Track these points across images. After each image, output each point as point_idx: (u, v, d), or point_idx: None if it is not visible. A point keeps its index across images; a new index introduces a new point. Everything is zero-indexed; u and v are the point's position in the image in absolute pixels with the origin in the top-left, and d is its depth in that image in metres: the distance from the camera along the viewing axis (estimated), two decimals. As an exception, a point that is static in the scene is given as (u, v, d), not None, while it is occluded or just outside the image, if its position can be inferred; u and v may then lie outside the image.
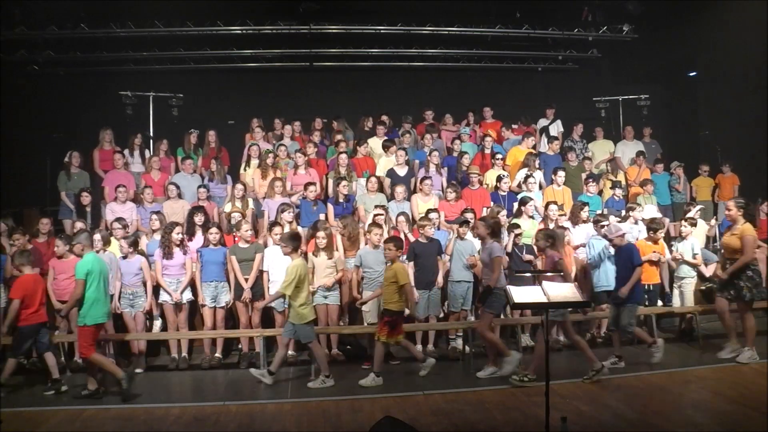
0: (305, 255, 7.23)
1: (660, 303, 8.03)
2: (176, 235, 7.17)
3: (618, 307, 6.72)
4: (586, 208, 8.35)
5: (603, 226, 7.72)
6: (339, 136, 10.23)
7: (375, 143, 10.14)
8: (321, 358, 6.40)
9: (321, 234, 7.26)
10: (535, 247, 8.00)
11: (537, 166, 9.62)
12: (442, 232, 7.97)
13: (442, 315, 7.67)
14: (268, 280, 7.24)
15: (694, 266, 7.83)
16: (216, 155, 9.66)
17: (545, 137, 10.95)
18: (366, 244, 7.50)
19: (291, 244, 6.36)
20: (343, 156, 9.32)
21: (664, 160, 10.59)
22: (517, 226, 7.85)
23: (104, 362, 6.09)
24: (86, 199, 8.60)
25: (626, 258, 6.71)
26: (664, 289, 8.22)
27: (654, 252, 7.60)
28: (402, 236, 7.41)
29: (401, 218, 7.84)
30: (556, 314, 6.28)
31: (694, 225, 8.33)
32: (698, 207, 9.17)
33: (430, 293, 7.44)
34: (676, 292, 7.96)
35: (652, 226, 7.80)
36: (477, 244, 7.78)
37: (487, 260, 6.47)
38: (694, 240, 7.98)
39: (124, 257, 7.15)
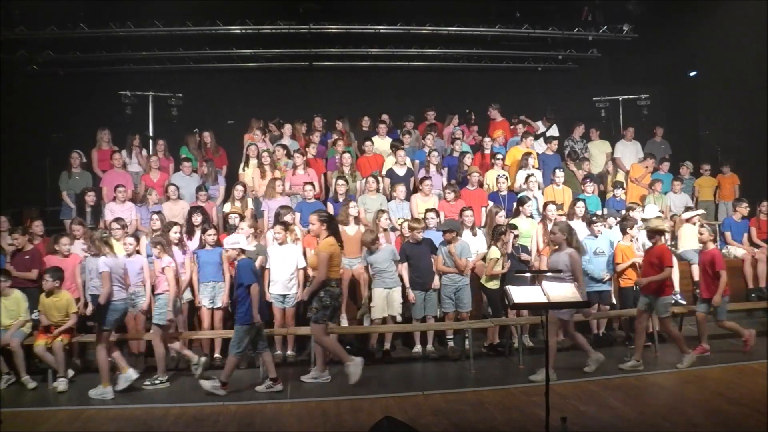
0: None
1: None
2: (174, 234, 7.16)
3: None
4: (580, 204, 8.35)
5: (597, 226, 7.74)
6: (336, 136, 10.22)
7: (377, 142, 10.15)
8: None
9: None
10: (532, 246, 8.05)
11: (534, 165, 9.61)
12: (441, 232, 7.96)
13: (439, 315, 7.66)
14: (269, 280, 7.24)
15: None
16: (212, 156, 9.66)
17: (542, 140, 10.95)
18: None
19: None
20: (347, 155, 9.33)
21: (671, 160, 10.59)
22: (515, 226, 7.86)
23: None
24: (90, 199, 8.60)
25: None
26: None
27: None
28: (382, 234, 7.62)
29: (383, 216, 7.87)
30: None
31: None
32: (700, 211, 9.18)
33: (426, 294, 7.43)
34: None
35: (624, 224, 7.81)
36: (475, 245, 7.80)
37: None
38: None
39: (129, 256, 7.15)
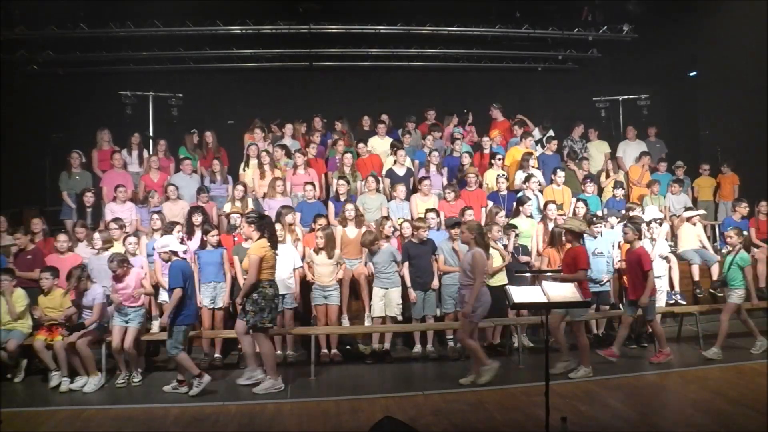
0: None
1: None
2: (176, 233, 7.16)
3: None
4: (581, 204, 8.35)
5: (597, 227, 7.74)
6: (336, 136, 10.22)
7: (377, 142, 10.15)
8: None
9: (320, 233, 7.30)
10: (532, 246, 8.05)
11: (534, 165, 9.62)
12: (441, 232, 7.97)
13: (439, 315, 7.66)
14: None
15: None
16: (215, 156, 9.66)
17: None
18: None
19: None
20: (348, 155, 9.33)
21: (668, 160, 10.59)
22: (514, 226, 7.85)
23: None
24: (89, 199, 8.60)
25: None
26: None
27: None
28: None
29: (386, 223, 7.84)
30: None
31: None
32: (700, 211, 9.18)
33: (426, 294, 7.43)
34: None
35: (629, 224, 7.78)
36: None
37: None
38: (662, 241, 8.10)
39: (133, 255, 7.16)
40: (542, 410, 4.56)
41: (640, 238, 7.11)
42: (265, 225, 6.30)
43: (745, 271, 7.09)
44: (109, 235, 7.36)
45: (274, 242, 6.30)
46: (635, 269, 6.83)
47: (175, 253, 6.18)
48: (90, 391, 6.30)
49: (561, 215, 8.38)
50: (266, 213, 8.47)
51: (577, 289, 5.05)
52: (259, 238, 6.21)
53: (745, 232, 8.11)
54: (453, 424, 5.15)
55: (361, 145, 9.83)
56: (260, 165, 9.24)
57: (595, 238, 7.75)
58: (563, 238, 6.93)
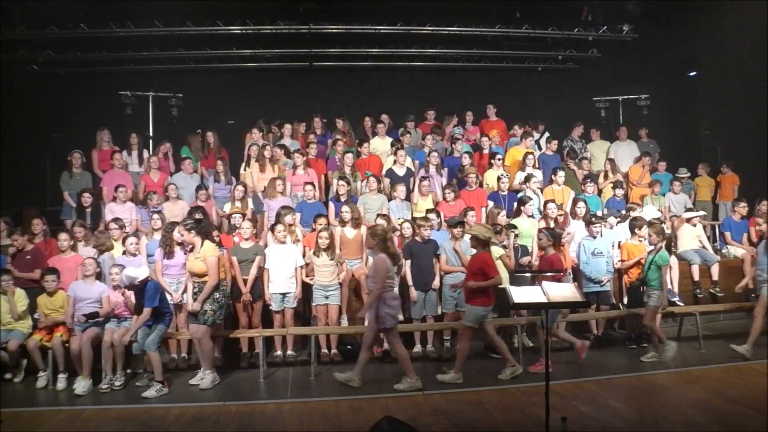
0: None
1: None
2: (177, 234, 7.15)
3: None
4: (581, 204, 8.36)
5: (596, 227, 7.74)
6: (338, 136, 10.23)
7: (376, 143, 10.15)
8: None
9: (324, 234, 7.29)
10: (533, 247, 8.05)
11: (534, 165, 9.62)
12: (441, 232, 7.97)
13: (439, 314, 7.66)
14: (268, 279, 7.24)
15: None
16: (217, 156, 9.66)
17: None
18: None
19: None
20: (349, 155, 9.33)
21: (665, 160, 10.59)
22: (514, 226, 7.85)
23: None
24: (87, 199, 8.60)
25: None
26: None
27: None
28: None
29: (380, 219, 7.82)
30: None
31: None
32: (700, 212, 9.18)
33: (426, 294, 7.44)
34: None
35: (633, 223, 7.81)
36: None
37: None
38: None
39: (134, 255, 7.16)
40: (542, 410, 4.56)
41: (553, 245, 6.85)
42: (203, 228, 6.45)
43: (662, 271, 6.89)
44: (103, 239, 7.37)
45: (216, 242, 6.55)
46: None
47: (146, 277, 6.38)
48: (83, 393, 6.24)
49: (561, 215, 8.39)
50: (266, 213, 8.53)
51: (577, 288, 5.04)
52: (203, 242, 6.34)
53: (668, 231, 7.91)
54: (453, 424, 5.15)
55: (365, 145, 9.81)
56: (259, 158, 9.23)
57: (595, 238, 7.75)
58: (473, 246, 6.60)
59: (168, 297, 7.13)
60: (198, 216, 7.51)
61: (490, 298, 6.38)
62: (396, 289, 6.27)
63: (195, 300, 6.35)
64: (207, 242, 6.35)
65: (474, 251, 6.53)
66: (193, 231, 6.38)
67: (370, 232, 6.32)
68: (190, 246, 6.51)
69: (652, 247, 7.11)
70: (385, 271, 6.04)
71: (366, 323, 6.80)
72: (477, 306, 6.27)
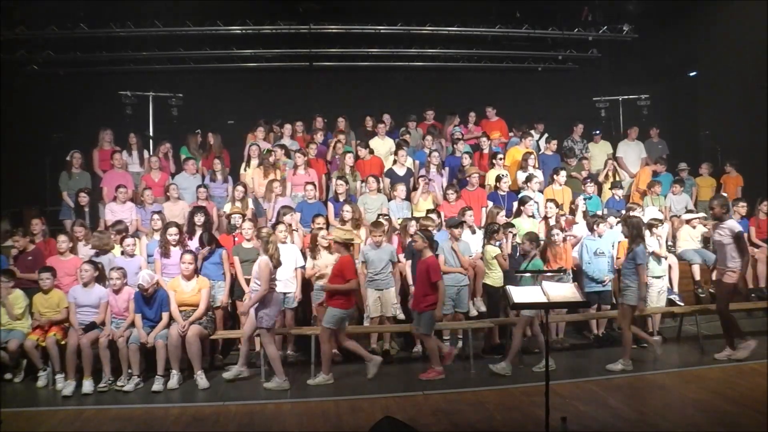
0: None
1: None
2: (170, 236, 7.15)
3: None
4: (582, 204, 8.35)
5: (598, 227, 7.74)
6: (340, 136, 10.23)
7: (376, 143, 10.15)
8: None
9: (323, 233, 7.29)
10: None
11: (534, 165, 9.62)
12: (442, 232, 7.96)
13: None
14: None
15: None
16: (217, 156, 9.66)
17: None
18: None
19: None
20: (349, 155, 9.33)
21: (669, 161, 10.59)
22: (512, 225, 7.84)
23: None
24: (84, 199, 8.60)
25: None
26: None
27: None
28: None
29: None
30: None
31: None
32: (700, 214, 9.17)
33: None
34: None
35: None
36: (474, 244, 7.80)
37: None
38: (652, 240, 8.00)
39: (132, 256, 7.16)
40: (542, 410, 4.56)
41: (430, 247, 6.53)
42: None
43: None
44: (105, 239, 7.37)
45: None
46: (424, 279, 6.39)
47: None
48: (84, 393, 6.24)
49: (561, 215, 8.38)
50: (267, 212, 8.52)
51: (577, 288, 5.04)
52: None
53: (542, 240, 7.71)
54: (453, 424, 5.15)
55: (365, 150, 9.79)
56: (261, 164, 9.22)
57: (601, 237, 7.74)
58: (337, 250, 6.57)
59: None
60: (200, 217, 7.54)
61: (350, 301, 6.41)
62: (275, 293, 6.45)
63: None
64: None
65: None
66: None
67: (256, 234, 6.77)
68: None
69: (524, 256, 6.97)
70: (269, 273, 6.23)
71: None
72: (336, 308, 6.30)
